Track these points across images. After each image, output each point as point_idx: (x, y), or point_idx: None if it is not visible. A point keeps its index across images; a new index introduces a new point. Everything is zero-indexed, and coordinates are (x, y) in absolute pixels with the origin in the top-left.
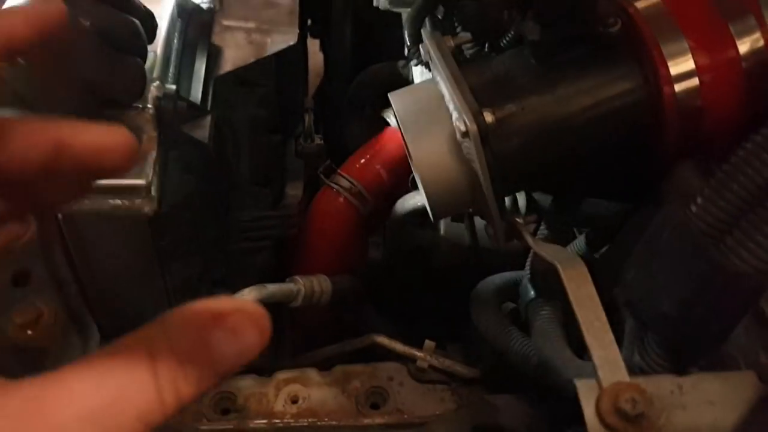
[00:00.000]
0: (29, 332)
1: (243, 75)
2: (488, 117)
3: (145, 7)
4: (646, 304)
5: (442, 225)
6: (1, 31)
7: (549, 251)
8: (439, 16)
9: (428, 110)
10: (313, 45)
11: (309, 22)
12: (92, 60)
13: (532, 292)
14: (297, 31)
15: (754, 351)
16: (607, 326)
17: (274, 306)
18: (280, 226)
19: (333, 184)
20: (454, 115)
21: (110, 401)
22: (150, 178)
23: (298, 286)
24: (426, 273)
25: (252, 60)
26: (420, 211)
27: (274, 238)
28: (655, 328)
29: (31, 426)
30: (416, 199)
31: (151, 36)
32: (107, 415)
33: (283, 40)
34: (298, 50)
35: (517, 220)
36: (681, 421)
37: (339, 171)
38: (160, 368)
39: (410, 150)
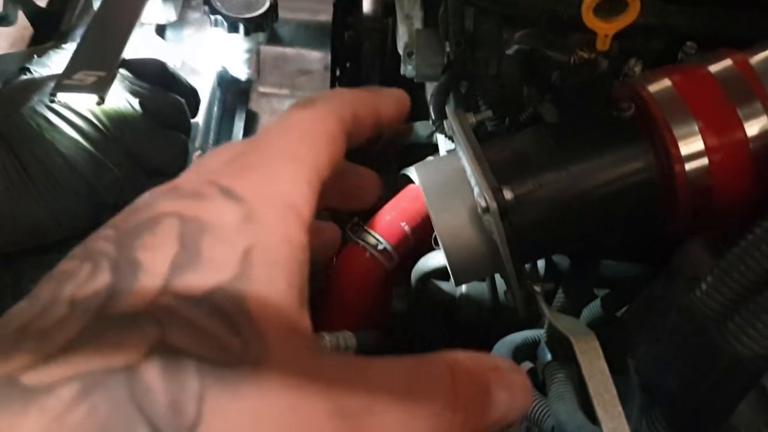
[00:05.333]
0: None
1: None
2: (507, 194)
3: (189, 84)
4: (654, 379)
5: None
6: (380, 109)
7: (563, 323)
8: (462, 91)
9: (451, 184)
10: None
11: (338, 72)
12: (141, 136)
13: (549, 356)
14: None
15: (757, 427)
16: (617, 399)
17: None
18: (307, 281)
19: (360, 241)
20: (476, 190)
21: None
22: None
23: (324, 342)
24: (448, 328)
25: None
26: (441, 269)
27: None
28: (661, 401)
29: (342, 393)
30: (438, 258)
31: (195, 110)
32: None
33: None
34: None
35: (536, 288)
36: None
37: (365, 227)
38: (456, 413)
39: (434, 220)
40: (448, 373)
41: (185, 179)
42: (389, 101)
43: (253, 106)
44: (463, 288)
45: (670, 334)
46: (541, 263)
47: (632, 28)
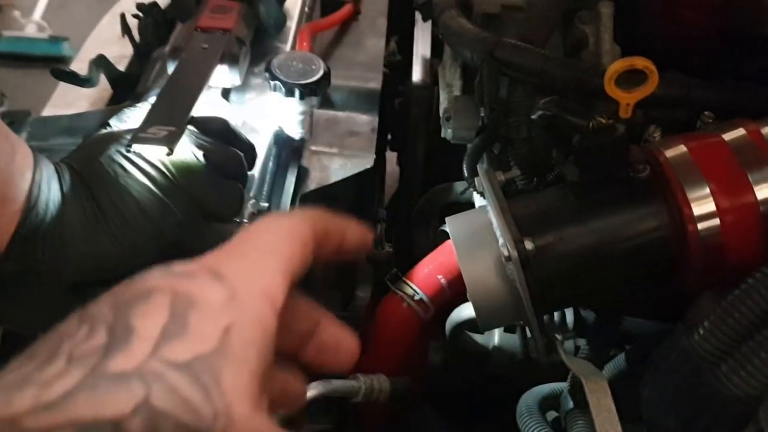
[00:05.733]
0: None
1: (325, 192)
2: (528, 245)
3: (248, 141)
4: (656, 417)
5: (496, 335)
6: (346, 235)
7: (577, 366)
8: (495, 152)
9: (479, 235)
10: (392, 156)
11: (389, 136)
12: (204, 184)
13: (571, 404)
14: (374, 156)
15: None
16: None
17: (339, 401)
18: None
19: (398, 291)
20: (500, 241)
21: None
22: None
23: (359, 383)
24: (480, 379)
25: (332, 180)
26: (474, 321)
27: None
28: None
29: None
30: (470, 310)
31: (252, 164)
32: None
33: (360, 163)
34: (374, 172)
35: (556, 336)
36: None
37: (404, 279)
38: None
39: (461, 268)
40: None
41: (178, 263)
42: (355, 232)
43: (305, 162)
44: (496, 340)
45: (670, 375)
46: (570, 318)
47: (655, 98)
